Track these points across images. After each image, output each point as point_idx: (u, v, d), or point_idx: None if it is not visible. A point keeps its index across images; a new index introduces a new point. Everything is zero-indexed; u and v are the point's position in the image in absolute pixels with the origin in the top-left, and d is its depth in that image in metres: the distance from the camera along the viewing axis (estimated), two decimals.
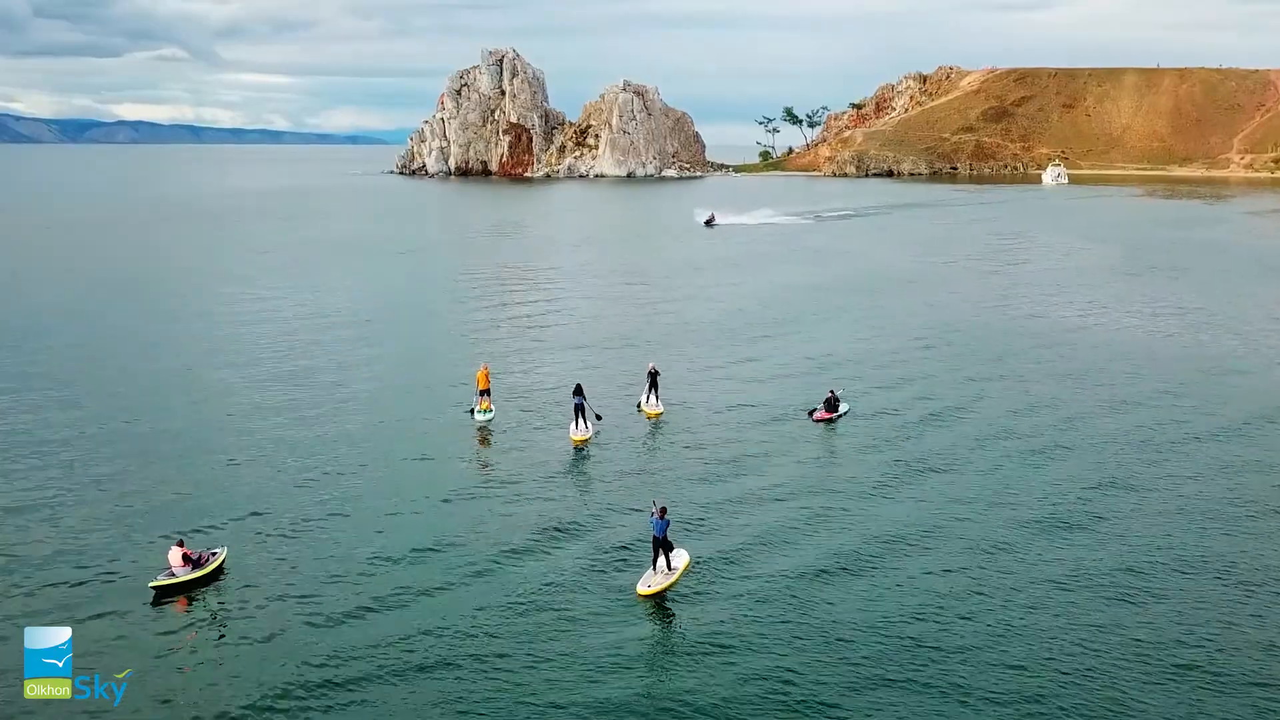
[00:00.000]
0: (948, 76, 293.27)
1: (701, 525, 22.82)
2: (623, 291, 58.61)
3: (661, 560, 19.61)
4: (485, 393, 31.82)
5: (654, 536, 19.71)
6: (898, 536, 22.38)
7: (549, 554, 21.36)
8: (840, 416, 31.34)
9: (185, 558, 20.03)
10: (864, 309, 52.70)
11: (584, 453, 28.48)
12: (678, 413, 32.01)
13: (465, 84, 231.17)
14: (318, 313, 50.07)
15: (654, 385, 32.02)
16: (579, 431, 29.39)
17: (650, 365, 32.53)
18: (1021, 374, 37.73)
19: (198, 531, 22.38)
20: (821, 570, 20.56)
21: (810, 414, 31.19)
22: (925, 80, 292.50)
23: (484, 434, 30.37)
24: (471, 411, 31.68)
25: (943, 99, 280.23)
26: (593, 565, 20.81)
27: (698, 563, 20.57)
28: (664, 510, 20.12)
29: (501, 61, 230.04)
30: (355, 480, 26.07)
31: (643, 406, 32.03)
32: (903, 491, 25.31)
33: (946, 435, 29.96)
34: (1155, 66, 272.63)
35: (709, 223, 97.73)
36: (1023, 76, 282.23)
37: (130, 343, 43.39)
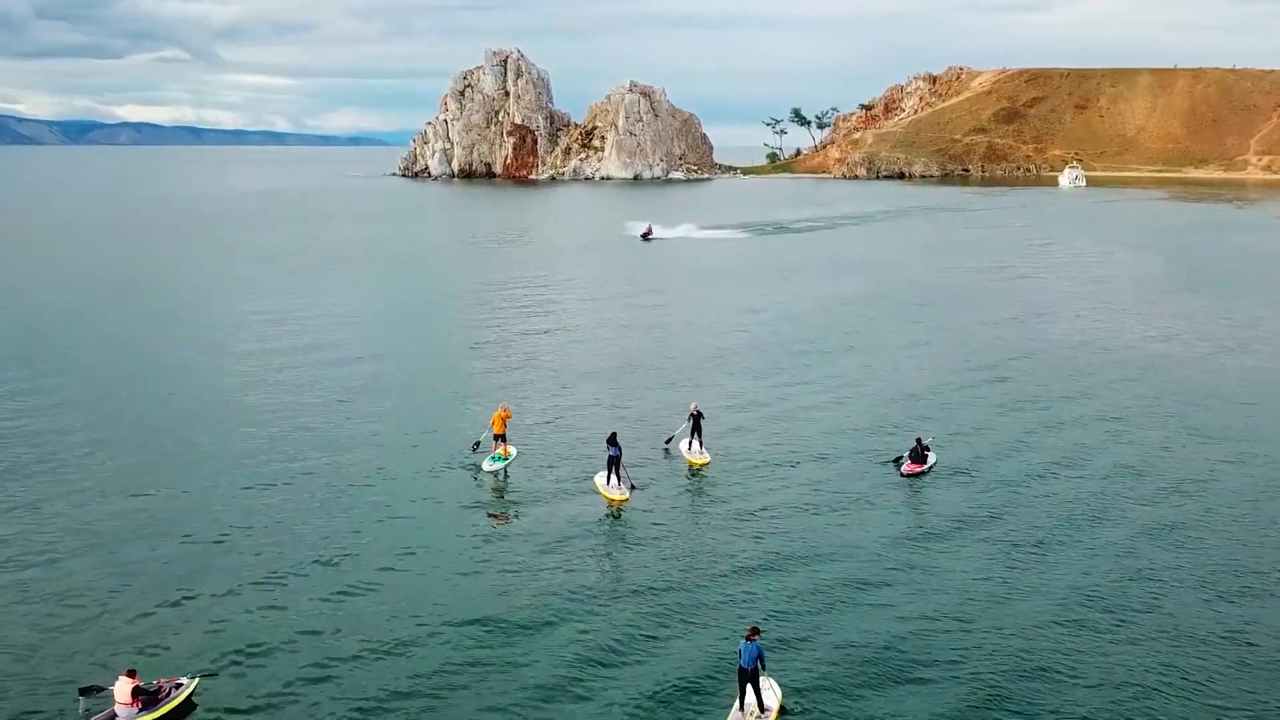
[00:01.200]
0: (958, 77, 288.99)
1: (782, 630, 18.33)
2: (641, 307, 53.78)
3: (750, 697, 15.16)
4: (501, 438, 27.49)
5: (740, 667, 15.29)
6: (1039, 645, 18.01)
7: (592, 686, 16.55)
8: (929, 469, 26.77)
9: (137, 692, 15.29)
10: (914, 329, 47.95)
11: (620, 518, 24.04)
12: (726, 462, 27.54)
13: (469, 85, 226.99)
14: (315, 342, 43.88)
15: (697, 428, 27.66)
16: (613, 489, 24.96)
17: (693, 405, 28.02)
18: (1123, 415, 32.61)
19: (159, 651, 17.96)
20: (952, 708, 16.15)
21: (896, 464, 26.57)
22: (935, 81, 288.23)
23: (501, 491, 25.95)
24: (476, 446, 27.48)
25: (953, 100, 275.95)
26: (654, 701, 16.01)
27: (794, 709, 15.74)
28: (755, 631, 15.60)
29: (505, 62, 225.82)
30: (354, 571, 21.30)
31: (686, 454, 27.66)
32: (1030, 574, 20.73)
33: (1058, 498, 25.02)
34: (1173, 66, 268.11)
35: (645, 236, 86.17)
36: (1034, 77, 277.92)
37: (117, 375, 38.81)
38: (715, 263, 73.51)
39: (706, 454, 27.53)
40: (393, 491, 25.51)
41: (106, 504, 24.68)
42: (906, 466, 26.44)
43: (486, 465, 27.08)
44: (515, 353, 42.22)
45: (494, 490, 26.02)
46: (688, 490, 25.92)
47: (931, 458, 27.02)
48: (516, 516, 24.23)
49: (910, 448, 27.09)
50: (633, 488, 25.15)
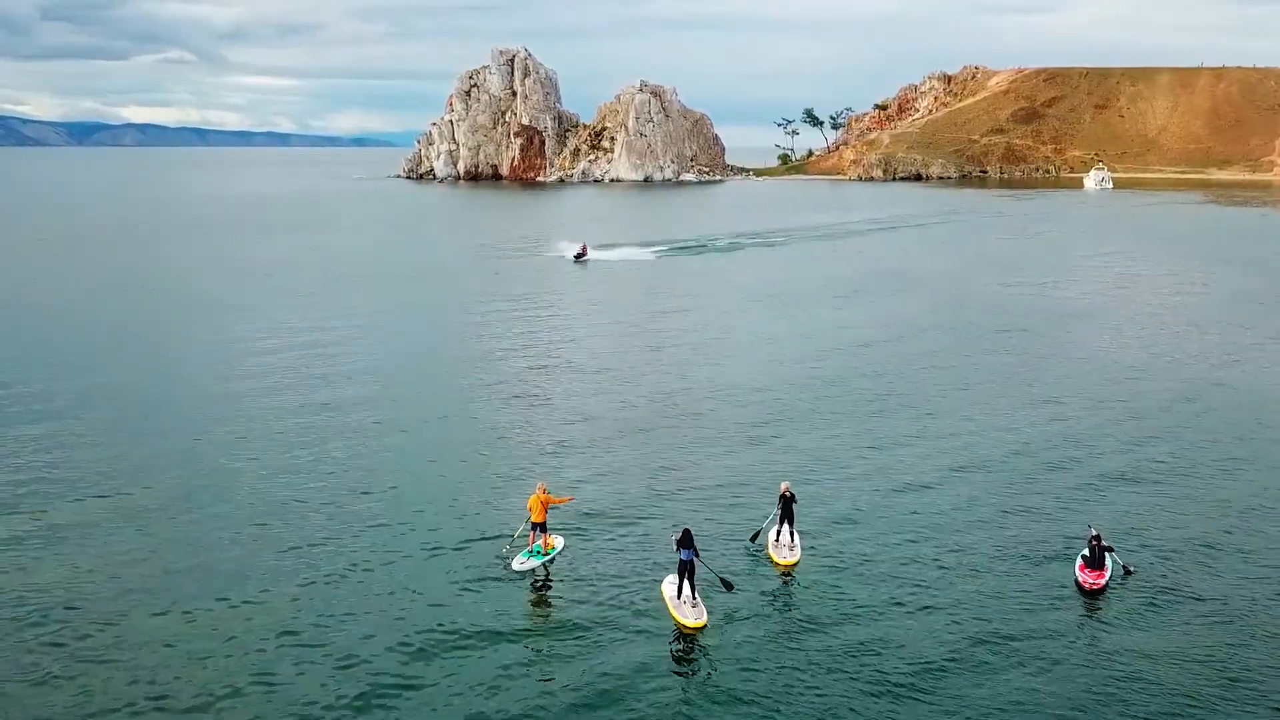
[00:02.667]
0: (973, 76, 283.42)
1: None
2: (679, 340, 45.86)
3: None
4: (541, 526, 21.70)
5: None
6: None
7: None
8: (1111, 580, 20.21)
9: None
10: (1010, 362, 40.39)
11: (692, 646, 18.25)
12: (820, 559, 21.54)
13: (475, 84, 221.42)
14: (304, 400, 34.29)
15: (788, 514, 21.80)
16: (686, 609, 18.87)
17: (783, 486, 22.04)
18: None
19: None
20: None
21: (1079, 571, 20.10)
22: (950, 80, 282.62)
23: (539, 600, 20.12)
24: (510, 544, 21.79)
25: (970, 99, 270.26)
26: None
27: None
28: None
29: (513, 61, 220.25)
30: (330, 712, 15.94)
31: (771, 549, 21.70)
32: None
33: None
34: (1199, 65, 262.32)
35: (579, 257, 73.35)
36: (1052, 76, 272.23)
37: (96, 419, 33.13)
38: (745, 281, 67.52)
39: (798, 549, 21.62)
40: (393, 600, 19.72)
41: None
42: (1083, 575, 20.16)
43: (518, 563, 21.23)
44: (534, 402, 34.32)
45: (528, 600, 20.18)
46: (776, 602, 20.00)
47: (1110, 563, 20.45)
48: (556, 637, 18.43)
49: (1088, 543, 20.47)
50: (728, 586, 19.42)
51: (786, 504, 21.63)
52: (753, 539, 22.16)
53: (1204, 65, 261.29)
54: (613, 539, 22.70)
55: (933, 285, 62.45)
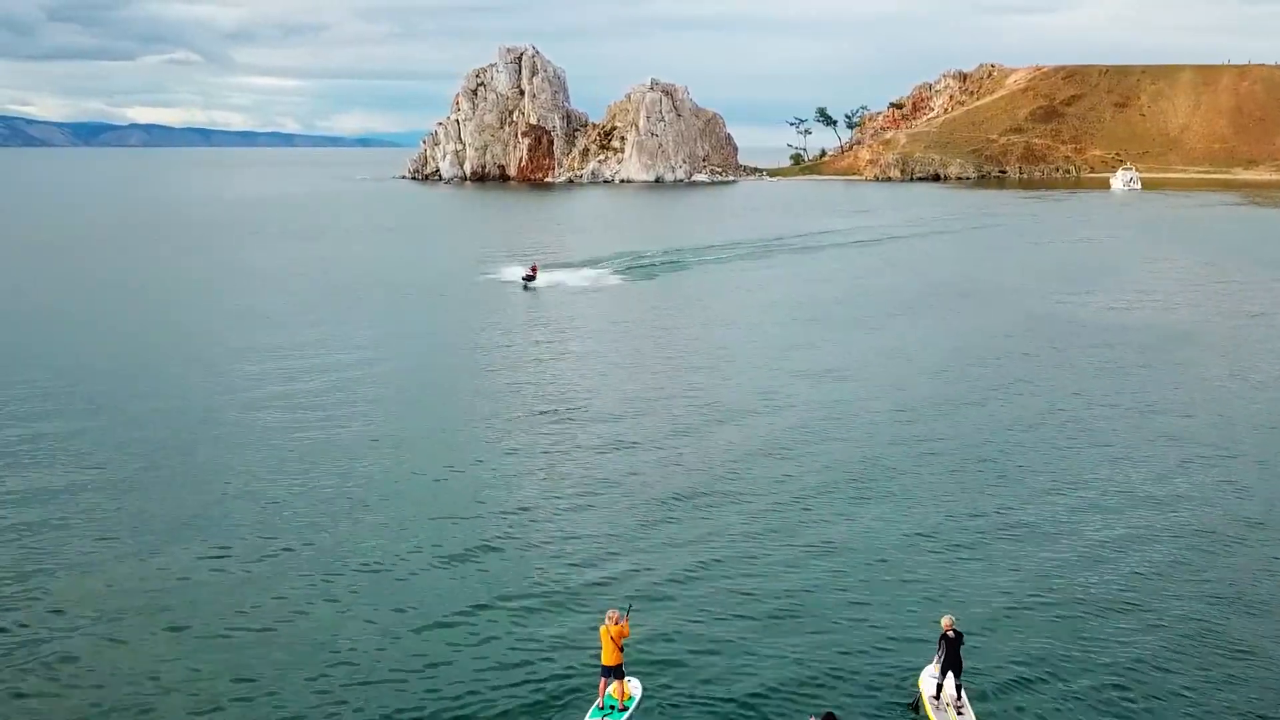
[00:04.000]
0: (989, 75, 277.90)
1: None
2: (729, 382, 38.14)
3: None
4: (614, 671, 15.94)
5: None
6: None
7: None
8: None
9: None
10: (1139, 403, 33.49)
11: None
12: None
13: (481, 83, 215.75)
14: (293, 488, 28.21)
15: (954, 661, 15.93)
16: None
17: (946, 622, 16.16)
18: None
19: None
20: None
21: None
22: (965, 79, 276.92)
23: None
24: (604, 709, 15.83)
25: (987, 98, 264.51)
26: None
27: None
28: None
29: (520, 59, 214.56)
30: None
31: (931, 710, 15.69)
32: None
33: None
34: (1225, 63, 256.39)
35: (528, 280, 62.60)
36: (1071, 74, 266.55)
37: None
38: (785, 297, 61.59)
39: (969, 711, 15.69)
40: None
41: None
42: None
43: None
44: (566, 474, 26.61)
45: None
46: None
47: None
48: None
49: None
50: None
51: (951, 646, 15.75)
52: (914, 708, 16.10)
53: (1229, 63, 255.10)
54: (702, 683, 16.78)
55: (997, 301, 56.38)
